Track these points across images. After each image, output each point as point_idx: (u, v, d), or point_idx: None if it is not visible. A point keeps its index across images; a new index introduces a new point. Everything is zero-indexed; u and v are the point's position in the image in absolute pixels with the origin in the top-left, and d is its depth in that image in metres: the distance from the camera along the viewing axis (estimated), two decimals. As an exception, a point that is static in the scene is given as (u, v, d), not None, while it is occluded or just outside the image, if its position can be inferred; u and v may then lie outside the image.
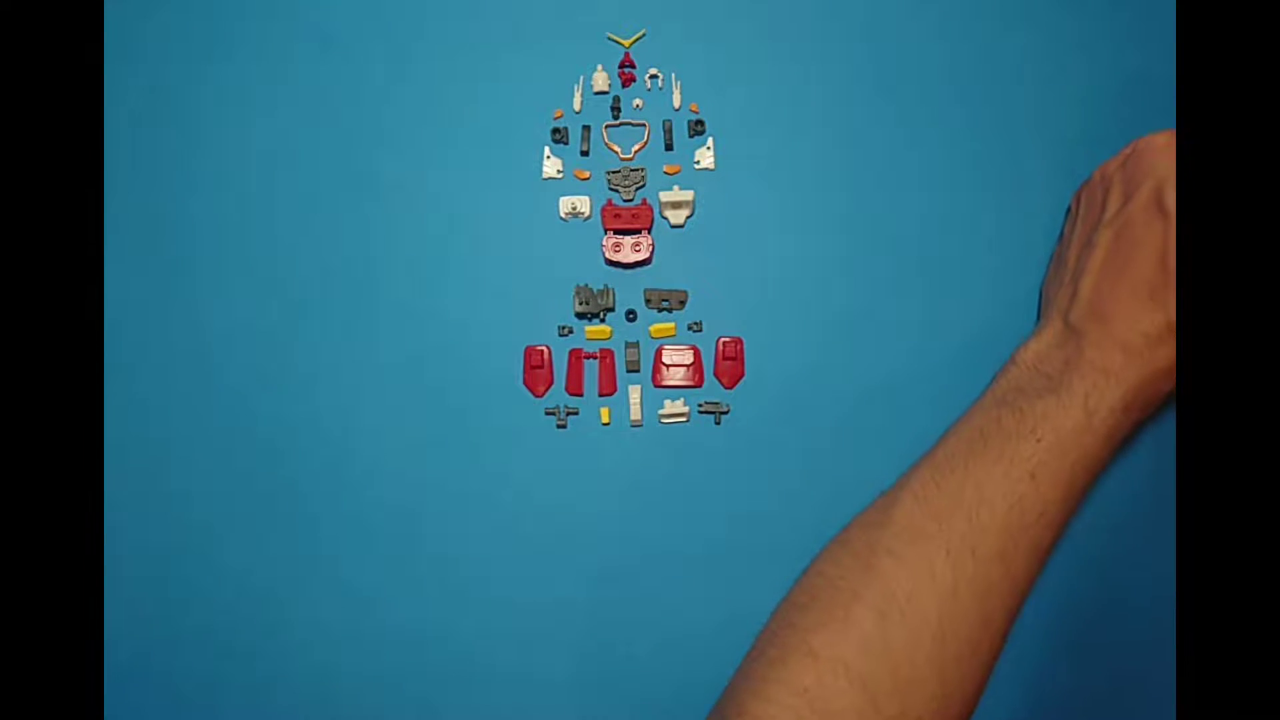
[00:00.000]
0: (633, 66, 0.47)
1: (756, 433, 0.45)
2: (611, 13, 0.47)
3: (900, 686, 0.34)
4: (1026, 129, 0.46)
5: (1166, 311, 0.37)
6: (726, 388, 0.46)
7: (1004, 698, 0.44)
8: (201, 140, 0.47)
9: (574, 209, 0.46)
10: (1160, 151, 0.39)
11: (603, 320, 0.46)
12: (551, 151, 0.46)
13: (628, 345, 0.46)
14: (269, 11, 0.48)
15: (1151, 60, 0.46)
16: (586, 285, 0.46)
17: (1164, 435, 0.45)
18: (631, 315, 0.46)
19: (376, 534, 0.46)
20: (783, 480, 0.45)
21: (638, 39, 0.47)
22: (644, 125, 0.47)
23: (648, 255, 0.46)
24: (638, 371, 0.46)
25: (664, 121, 0.47)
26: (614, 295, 0.46)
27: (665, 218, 0.46)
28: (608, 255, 0.46)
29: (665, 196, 0.46)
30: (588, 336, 0.46)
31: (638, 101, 0.47)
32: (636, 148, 0.46)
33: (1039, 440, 0.37)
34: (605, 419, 0.46)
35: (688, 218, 0.46)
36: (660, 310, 0.46)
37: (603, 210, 0.46)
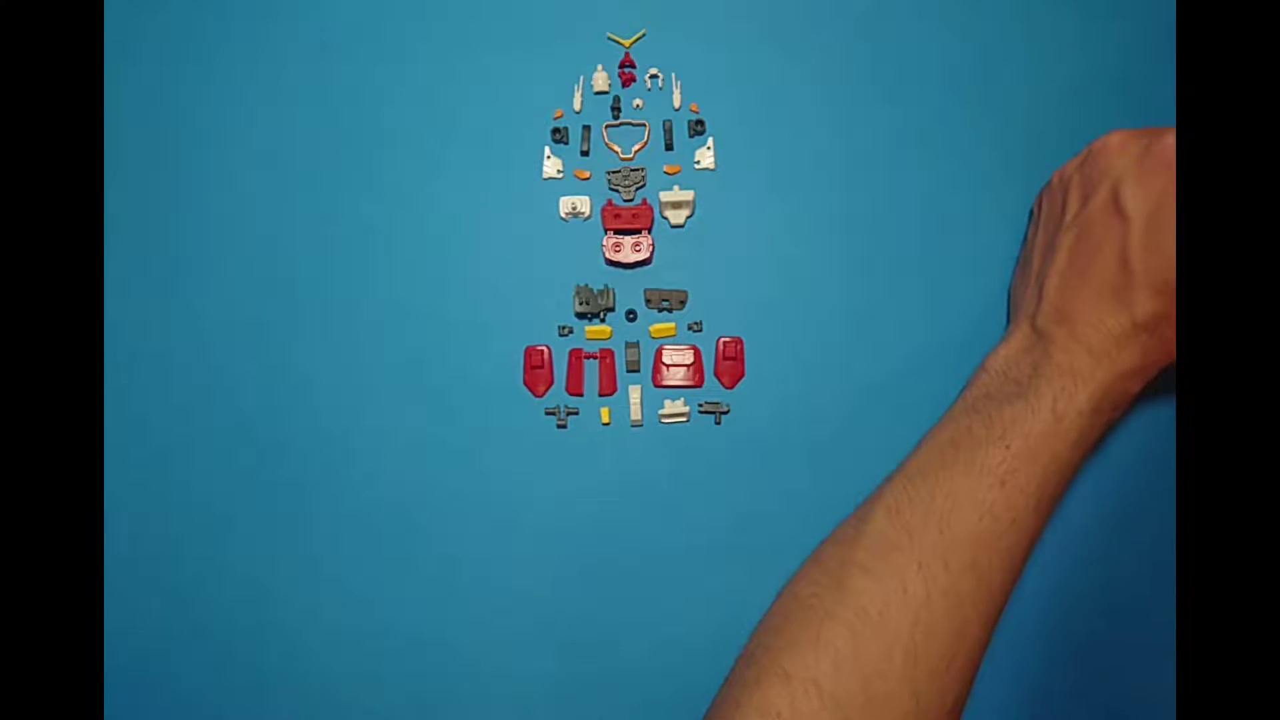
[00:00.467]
0: (633, 66, 0.47)
1: (756, 433, 0.45)
2: (611, 13, 0.47)
3: (873, 703, 0.34)
4: (1027, 129, 0.46)
5: (1131, 311, 0.37)
6: (726, 388, 0.46)
7: (1005, 698, 0.44)
8: (201, 140, 0.47)
9: (574, 209, 0.46)
10: (1115, 152, 0.39)
11: (603, 320, 0.46)
12: (551, 151, 0.46)
13: (628, 345, 0.46)
14: (269, 11, 0.48)
15: (1152, 60, 0.46)
16: (586, 285, 0.46)
17: (1164, 435, 0.45)
18: (631, 315, 0.46)
19: (376, 534, 0.46)
20: (783, 480, 0.45)
21: (638, 39, 0.47)
22: (644, 125, 0.47)
23: (648, 255, 0.46)
24: (638, 371, 0.46)
25: (664, 121, 0.47)
26: (614, 295, 0.46)
27: (665, 218, 0.46)
28: (608, 255, 0.46)
29: (665, 196, 0.46)
30: (588, 336, 0.46)
31: (638, 101, 0.47)
32: (636, 148, 0.46)
33: (1008, 447, 0.37)
34: (605, 419, 0.46)
35: (688, 218, 0.46)
36: (660, 310, 0.46)
37: (603, 210, 0.46)
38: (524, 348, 0.46)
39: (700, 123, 0.47)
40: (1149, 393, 0.45)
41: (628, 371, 0.46)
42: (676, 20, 0.47)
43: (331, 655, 0.45)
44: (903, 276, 0.46)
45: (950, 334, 0.46)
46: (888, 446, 0.45)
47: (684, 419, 0.46)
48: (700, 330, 0.46)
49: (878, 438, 0.45)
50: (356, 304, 0.46)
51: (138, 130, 0.47)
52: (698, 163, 0.46)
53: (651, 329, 0.46)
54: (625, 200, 0.46)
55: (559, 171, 0.46)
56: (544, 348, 0.46)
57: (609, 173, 0.46)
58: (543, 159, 0.46)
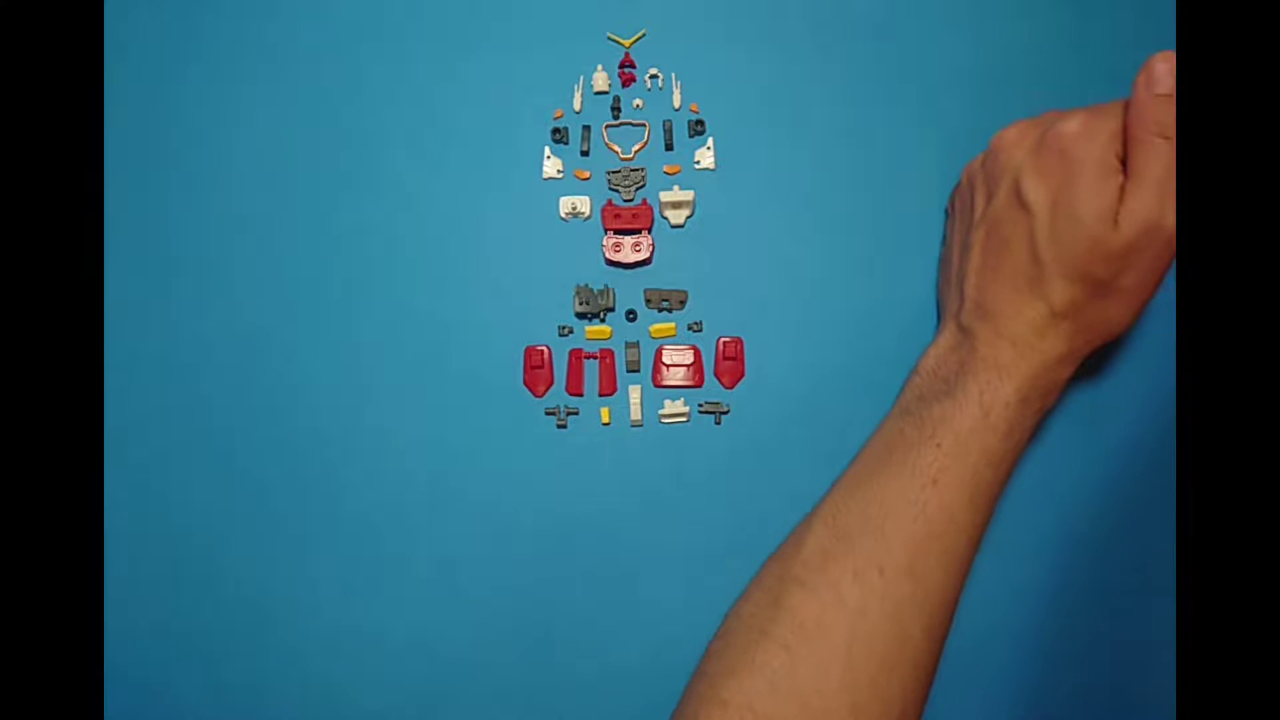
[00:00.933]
0: (633, 66, 0.47)
1: (756, 433, 0.45)
2: (611, 13, 0.47)
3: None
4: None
5: (1048, 300, 0.37)
6: (726, 388, 0.46)
7: (1005, 697, 0.44)
8: (201, 140, 0.47)
9: (574, 209, 0.46)
10: (1012, 147, 0.39)
11: (603, 320, 0.46)
12: (551, 151, 0.46)
13: (628, 345, 0.46)
14: (269, 11, 0.48)
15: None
16: (586, 285, 0.46)
17: (1164, 435, 0.45)
18: (631, 315, 0.46)
19: (376, 534, 0.46)
20: (783, 480, 0.45)
21: (638, 39, 0.47)
22: (644, 125, 0.47)
23: (648, 255, 0.46)
24: (638, 371, 0.46)
25: (664, 121, 0.47)
26: (614, 295, 0.46)
27: (665, 218, 0.46)
28: (608, 255, 0.46)
29: (665, 196, 0.46)
30: (588, 336, 0.46)
31: (638, 101, 0.47)
32: (636, 148, 0.46)
33: (939, 445, 0.37)
34: (605, 419, 0.46)
35: (688, 218, 0.46)
36: (660, 310, 0.46)
37: (603, 210, 0.46)
38: (524, 348, 0.46)
39: (700, 123, 0.47)
40: (1149, 393, 0.45)
41: (628, 371, 0.46)
42: (676, 20, 0.47)
43: (331, 655, 0.45)
44: (903, 276, 0.46)
45: (950, 334, 0.46)
46: (888, 446, 0.45)
47: (684, 419, 0.46)
48: (700, 330, 0.46)
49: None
50: (356, 304, 0.46)
51: (137, 130, 0.47)
52: (698, 163, 0.46)
53: (651, 329, 0.46)
54: (625, 200, 0.46)
55: (559, 171, 0.46)
56: (544, 348, 0.46)
57: (609, 173, 0.46)
58: (543, 159, 0.46)
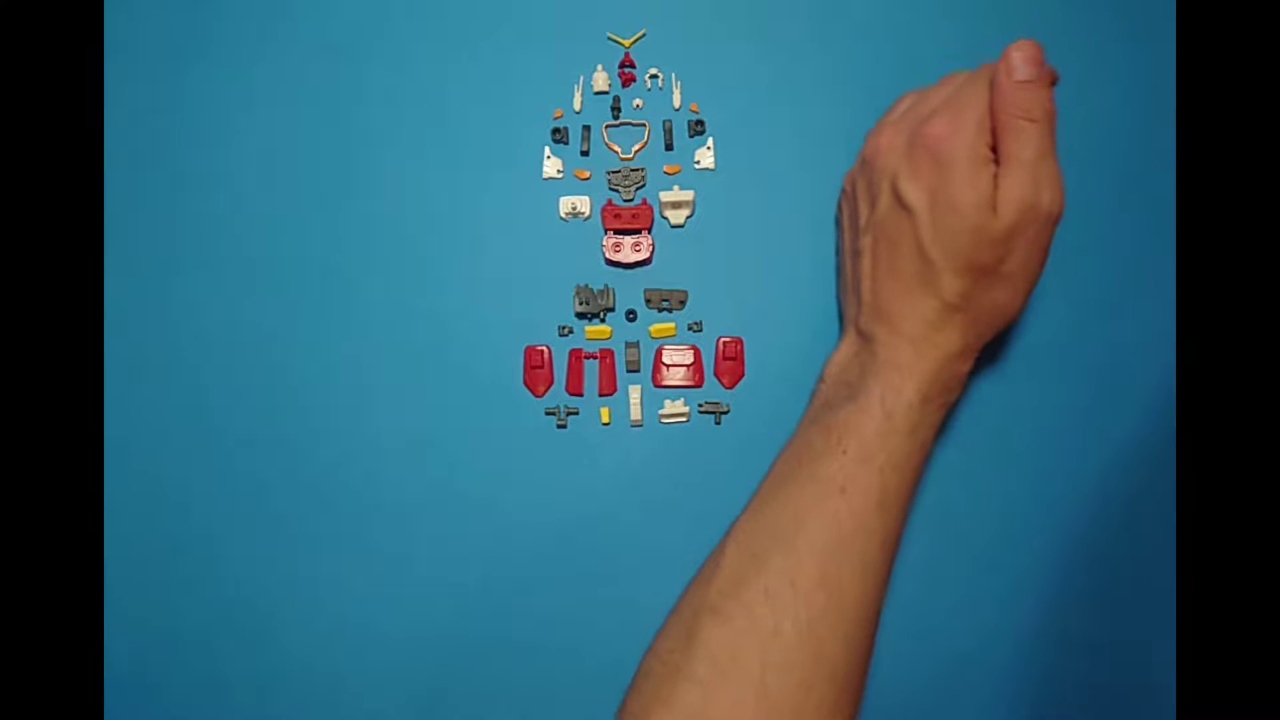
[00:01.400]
0: (633, 66, 0.47)
1: (756, 433, 0.45)
2: (611, 13, 0.47)
3: None
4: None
5: (940, 295, 0.37)
6: (726, 388, 0.46)
7: (1005, 698, 0.44)
8: (201, 140, 0.47)
9: (574, 209, 0.46)
10: (885, 153, 0.39)
11: (603, 320, 0.46)
12: (551, 151, 0.46)
13: (628, 345, 0.46)
14: (269, 11, 0.48)
15: (1152, 58, 0.46)
16: (586, 285, 0.46)
17: (1164, 435, 0.45)
18: (631, 315, 0.46)
19: (376, 534, 0.46)
20: (783, 480, 0.45)
21: (638, 39, 0.47)
22: (644, 125, 0.47)
23: (648, 255, 0.46)
24: (638, 371, 0.46)
25: (664, 121, 0.47)
26: (614, 295, 0.46)
27: (665, 218, 0.46)
28: (608, 255, 0.46)
29: (665, 196, 0.46)
30: (588, 336, 0.46)
31: (638, 101, 0.47)
32: (636, 148, 0.46)
33: (845, 452, 0.37)
34: (605, 419, 0.46)
35: (688, 218, 0.46)
36: (660, 310, 0.46)
37: (603, 210, 0.46)
38: (524, 348, 0.46)
39: (700, 123, 0.47)
40: (1149, 392, 0.45)
41: (628, 371, 0.46)
42: (676, 20, 0.47)
43: (330, 654, 0.45)
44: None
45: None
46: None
47: (684, 419, 0.46)
48: (700, 330, 0.46)
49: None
50: (356, 304, 0.46)
51: (137, 130, 0.47)
52: (698, 163, 0.46)
53: (651, 329, 0.46)
54: (625, 200, 0.46)
55: (559, 171, 0.46)
56: (544, 348, 0.46)
57: (609, 173, 0.46)
58: (543, 159, 0.46)
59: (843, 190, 0.44)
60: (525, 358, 0.46)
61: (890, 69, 0.47)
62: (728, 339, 0.46)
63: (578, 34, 0.47)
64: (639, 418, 0.46)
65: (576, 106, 0.47)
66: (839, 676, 0.35)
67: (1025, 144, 0.36)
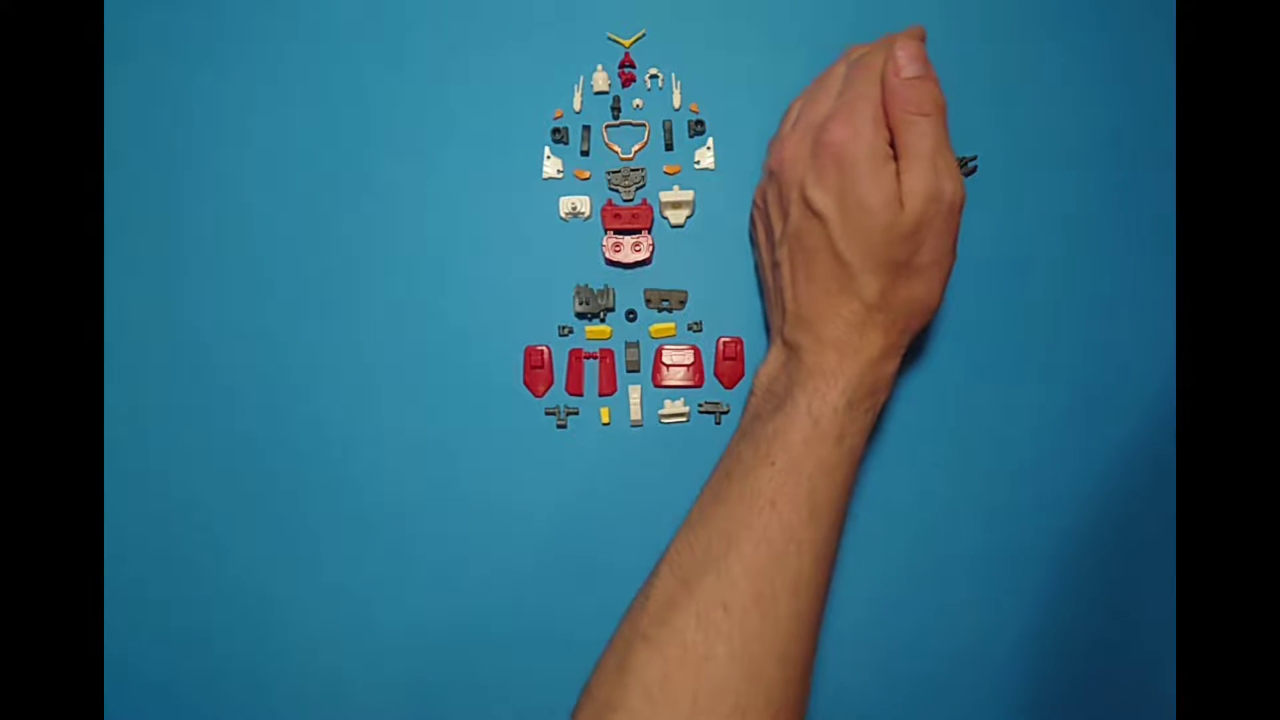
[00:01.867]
0: (633, 66, 0.47)
1: (756, 433, 0.45)
2: (611, 13, 0.47)
3: None
4: (1025, 127, 0.46)
5: (860, 297, 0.37)
6: (726, 388, 0.46)
7: (1005, 698, 0.44)
8: (200, 140, 0.47)
9: (574, 209, 0.46)
10: (791, 164, 0.39)
11: (603, 320, 0.46)
12: (551, 151, 0.46)
13: (628, 345, 0.46)
14: (269, 11, 0.48)
15: (1152, 58, 0.46)
16: (586, 285, 0.46)
17: (1164, 435, 0.45)
18: (631, 315, 0.46)
19: (375, 533, 0.46)
20: (783, 480, 0.45)
21: (638, 39, 0.47)
22: (644, 125, 0.47)
23: (648, 255, 0.46)
24: (638, 371, 0.46)
25: (664, 121, 0.47)
26: (614, 295, 0.46)
27: (665, 218, 0.46)
28: (608, 255, 0.46)
29: (665, 196, 0.46)
30: (588, 336, 0.46)
31: (638, 101, 0.47)
32: (636, 148, 0.46)
33: (773, 464, 0.37)
34: (605, 419, 0.46)
35: (688, 218, 0.46)
36: (660, 310, 0.46)
37: (603, 210, 0.46)
38: (524, 348, 0.46)
39: (700, 123, 0.47)
40: (1149, 393, 0.45)
41: (628, 371, 0.46)
42: (676, 20, 0.47)
43: (330, 655, 0.45)
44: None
45: (947, 331, 0.46)
46: (885, 445, 0.45)
47: (684, 419, 0.46)
48: (700, 330, 0.46)
49: (875, 437, 0.45)
50: (356, 304, 0.46)
51: (137, 130, 0.47)
52: (698, 163, 0.46)
53: (651, 329, 0.46)
54: (625, 200, 0.46)
55: (559, 171, 0.46)
56: (544, 348, 0.46)
57: (609, 173, 0.46)
58: (543, 159, 0.46)
59: (754, 204, 0.44)
60: (525, 358, 0.46)
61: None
62: (728, 339, 0.46)
63: (578, 34, 0.47)
64: (639, 418, 0.46)
65: (576, 106, 0.47)
66: (775, 697, 0.35)
67: (921, 137, 0.37)
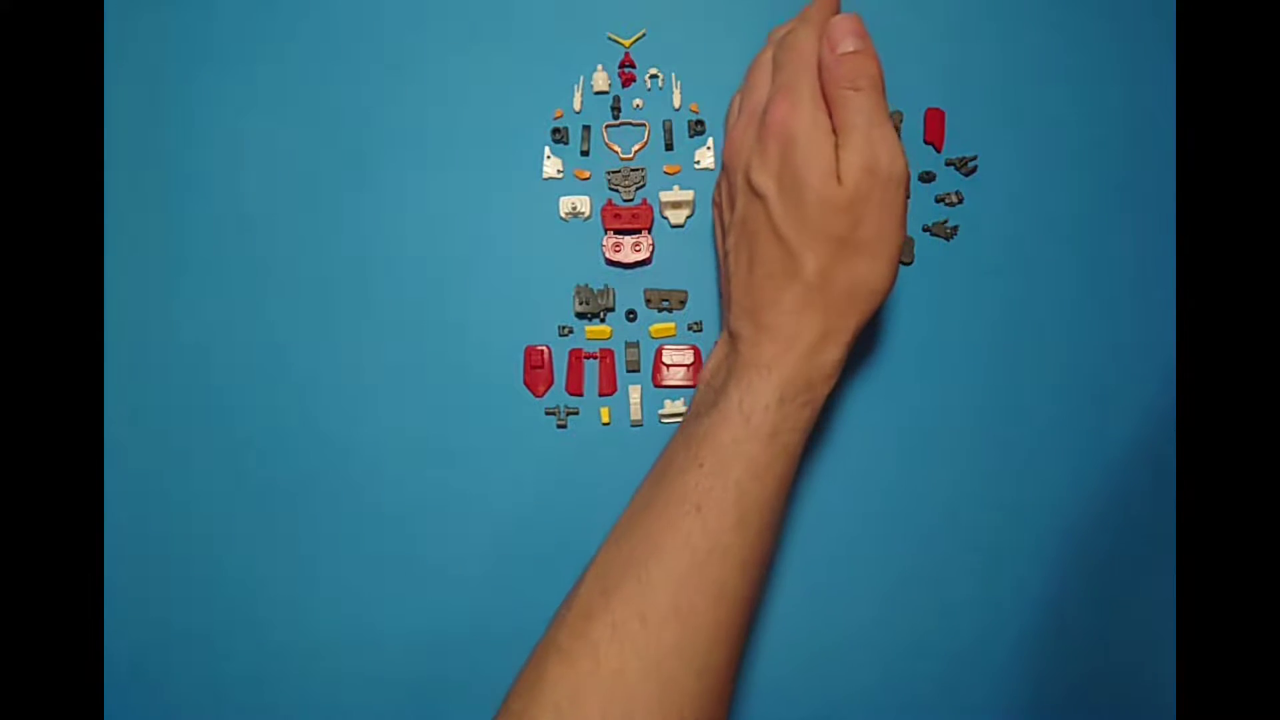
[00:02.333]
0: (633, 66, 0.47)
1: (756, 433, 0.45)
2: (611, 13, 0.47)
3: None
4: (1022, 126, 0.46)
5: (800, 276, 0.36)
6: (726, 388, 0.46)
7: (1005, 698, 0.44)
8: (201, 140, 0.47)
9: (574, 209, 0.46)
10: (736, 150, 0.39)
11: (603, 320, 0.46)
12: (551, 151, 0.46)
13: (628, 345, 0.46)
14: (269, 11, 0.48)
15: (1152, 58, 0.46)
16: (586, 285, 0.46)
17: (1164, 435, 0.45)
18: (631, 315, 0.46)
19: (376, 533, 0.46)
20: (783, 480, 0.45)
21: (638, 39, 0.47)
22: (644, 125, 0.47)
23: (648, 255, 0.46)
24: (638, 371, 0.46)
25: (664, 121, 0.47)
26: (614, 295, 0.46)
27: (665, 218, 0.46)
28: (608, 255, 0.46)
29: (665, 196, 0.46)
30: (588, 336, 0.46)
31: (638, 101, 0.47)
32: (636, 148, 0.46)
33: (701, 465, 0.35)
34: (605, 419, 0.46)
35: (688, 218, 0.46)
36: (660, 310, 0.46)
37: (603, 210, 0.46)
38: (524, 348, 0.46)
39: (700, 123, 0.47)
40: (1149, 392, 0.45)
41: (628, 371, 0.46)
42: (676, 20, 0.47)
43: (330, 655, 0.45)
44: (901, 274, 0.46)
45: (946, 331, 0.46)
46: (885, 445, 0.45)
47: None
48: (700, 330, 0.46)
49: (875, 437, 0.45)
50: (356, 304, 0.46)
51: (137, 130, 0.47)
52: (698, 163, 0.46)
53: (651, 329, 0.46)
54: (625, 200, 0.46)
55: (559, 171, 0.46)
56: (544, 348, 0.46)
57: (609, 173, 0.46)
58: (543, 159, 0.46)
59: (712, 201, 0.43)
60: (525, 358, 0.46)
61: (889, 69, 0.46)
62: (728, 339, 0.46)
63: (578, 34, 0.47)
64: (639, 418, 0.46)
65: (576, 106, 0.47)
66: (690, 711, 0.33)
67: (855, 111, 0.36)
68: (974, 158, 0.46)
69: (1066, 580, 0.45)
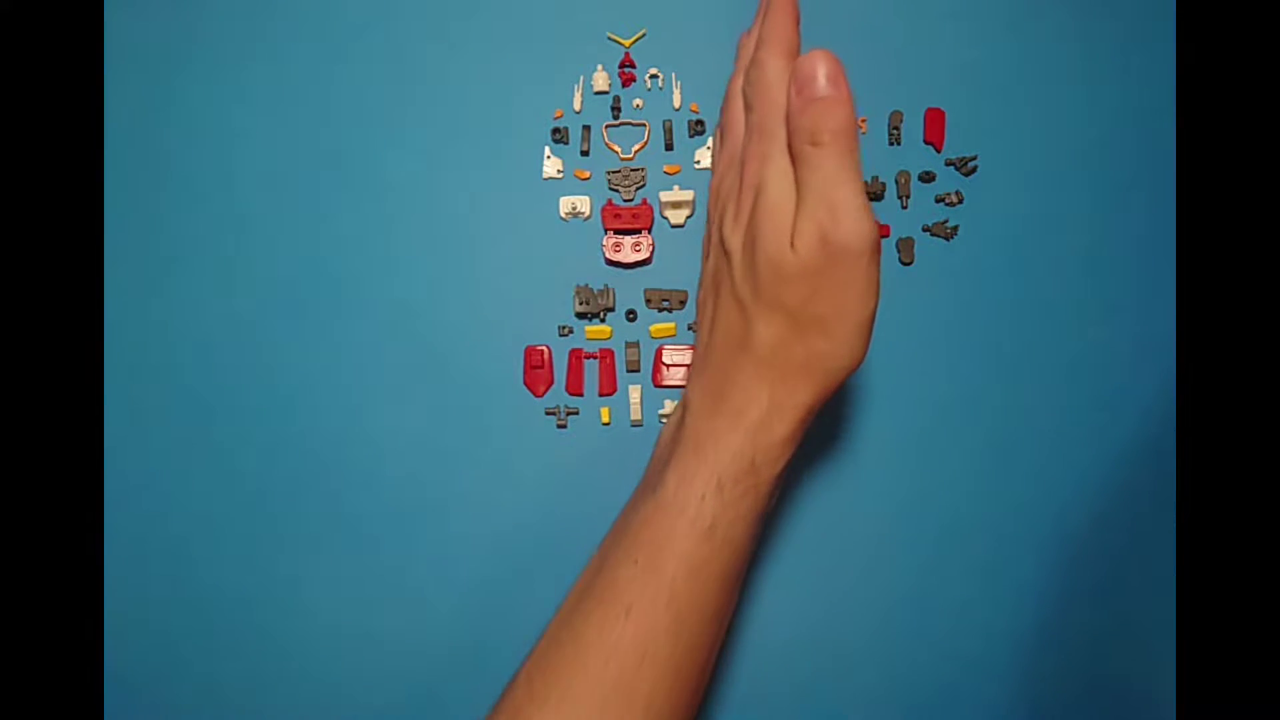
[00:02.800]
0: (633, 66, 0.47)
1: (756, 433, 0.45)
2: (611, 13, 0.47)
3: None
4: (1022, 128, 0.46)
5: (752, 349, 0.32)
6: (726, 388, 0.46)
7: (1005, 698, 0.44)
8: (200, 140, 0.47)
9: (574, 209, 0.46)
10: (714, 196, 0.37)
11: (603, 320, 0.46)
12: (551, 151, 0.46)
13: (628, 345, 0.46)
14: (268, 12, 0.47)
15: (1152, 58, 0.46)
16: (586, 285, 0.46)
17: (1164, 435, 0.45)
18: (631, 315, 0.46)
19: (376, 534, 0.46)
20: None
21: (638, 39, 0.47)
22: (644, 125, 0.47)
23: (648, 255, 0.46)
24: (638, 371, 0.46)
25: (664, 121, 0.47)
26: (614, 295, 0.46)
27: (665, 218, 0.46)
28: (608, 255, 0.46)
29: (665, 196, 0.46)
30: (588, 336, 0.46)
31: (638, 101, 0.47)
32: (636, 148, 0.46)
33: (635, 562, 0.32)
34: (605, 419, 0.46)
35: (688, 218, 0.46)
36: (660, 310, 0.46)
37: (603, 210, 0.46)
38: (524, 348, 0.46)
39: (700, 123, 0.46)
40: (1149, 392, 0.45)
41: (628, 371, 0.46)
42: (676, 20, 0.47)
43: (330, 655, 0.45)
44: (901, 273, 0.46)
45: (948, 331, 0.46)
46: (885, 445, 0.45)
47: (684, 419, 0.46)
48: (700, 330, 0.46)
49: (875, 437, 0.45)
50: (356, 304, 0.46)
51: (137, 130, 0.47)
52: (698, 163, 0.46)
53: (651, 329, 0.46)
54: (625, 200, 0.46)
55: (559, 171, 0.46)
56: (544, 348, 0.46)
57: (609, 173, 0.46)
58: (543, 159, 0.46)
59: (703, 239, 0.40)
60: (525, 358, 0.46)
61: (890, 68, 0.47)
62: (728, 339, 0.46)
63: (578, 34, 0.47)
64: (639, 418, 0.46)
65: (576, 106, 0.47)
66: None
67: (813, 170, 0.31)
68: (974, 158, 0.46)
69: (1066, 580, 0.45)
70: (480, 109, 0.47)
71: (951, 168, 0.46)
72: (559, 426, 0.46)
